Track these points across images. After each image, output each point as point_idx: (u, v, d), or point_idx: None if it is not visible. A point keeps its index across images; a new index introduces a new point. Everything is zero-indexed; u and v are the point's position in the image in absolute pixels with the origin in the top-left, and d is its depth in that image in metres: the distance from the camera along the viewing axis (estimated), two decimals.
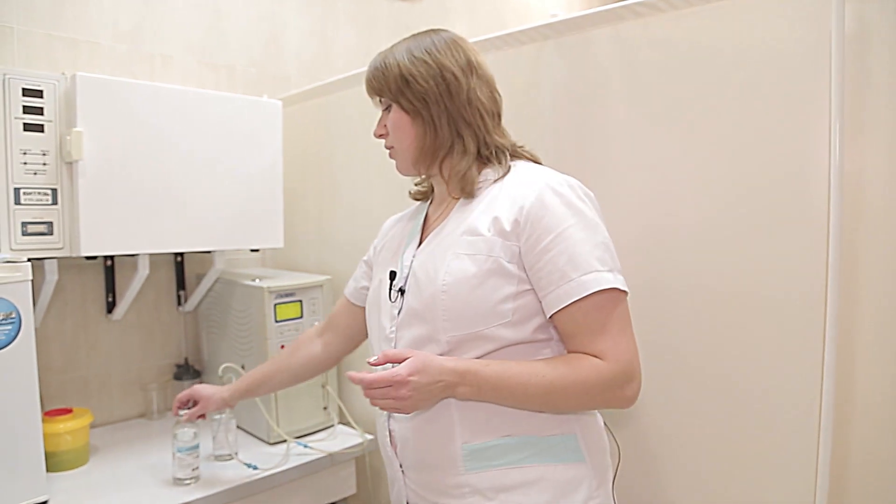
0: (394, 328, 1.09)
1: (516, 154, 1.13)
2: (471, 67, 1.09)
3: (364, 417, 1.81)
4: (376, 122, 1.16)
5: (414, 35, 1.13)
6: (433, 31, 1.13)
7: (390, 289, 1.12)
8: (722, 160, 1.13)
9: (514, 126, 1.44)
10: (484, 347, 1.00)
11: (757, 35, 1.08)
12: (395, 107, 1.10)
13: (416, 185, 1.27)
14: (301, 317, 1.74)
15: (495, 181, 1.07)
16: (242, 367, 1.69)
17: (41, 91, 1.43)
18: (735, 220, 1.12)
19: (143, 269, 1.68)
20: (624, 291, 0.97)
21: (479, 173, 1.09)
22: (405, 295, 1.08)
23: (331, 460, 1.65)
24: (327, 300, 1.81)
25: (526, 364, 0.98)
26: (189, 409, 1.43)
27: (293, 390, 1.70)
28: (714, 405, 1.17)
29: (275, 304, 1.68)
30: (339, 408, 1.82)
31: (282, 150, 1.82)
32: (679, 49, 1.17)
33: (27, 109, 1.42)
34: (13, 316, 1.26)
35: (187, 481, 1.44)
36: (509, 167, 1.08)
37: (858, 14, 0.98)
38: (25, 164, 1.42)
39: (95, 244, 1.48)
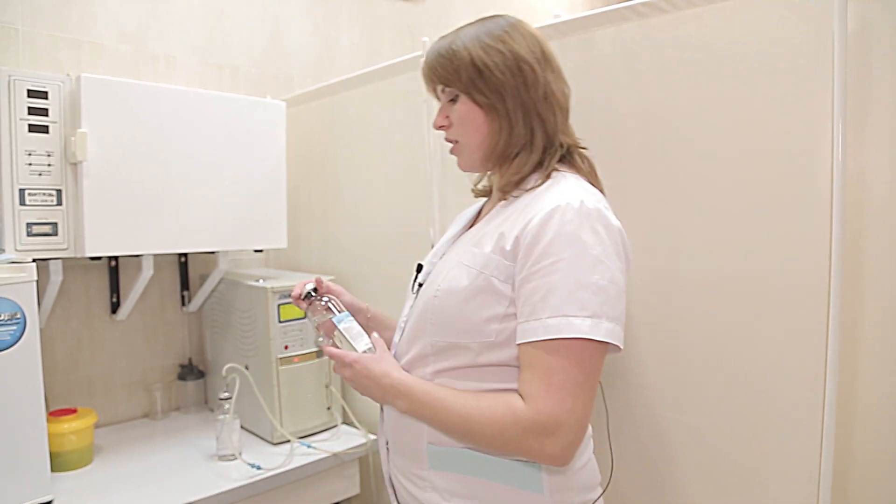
0: (405, 320, 1.10)
1: (571, 157, 1.04)
2: (546, 59, 1.02)
3: (368, 418, 1.81)
4: (436, 112, 1.08)
5: (480, 20, 1.05)
6: (500, 15, 1.05)
7: (414, 280, 1.13)
8: (725, 159, 1.13)
9: None
10: (463, 358, 0.98)
11: (759, 35, 1.08)
12: (463, 98, 1.02)
13: (475, 183, 1.21)
14: (304, 317, 1.74)
15: (531, 189, 1.00)
16: (246, 368, 1.69)
17: (46, 92, 1.44)
18: (738, 218, 1.12)
19: (148, 270, 1.69)
20: (601, 342, 0.87)
21: (529, 176, 1.02)
22: (421, 289, 1.08)
23: (334, 460, 1.65)
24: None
25: (456, 392, 0.96)
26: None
27: (297, 390, 1.71)
28: (715, 403, 1.17)
29: (278, 305, 1.69)
30: (343, 408, 1.82)
31: (285, 150, 1.82)
32: (682, 49, 1.17)
33: (32, 110, 1.42)
34: (18, 316, 1.27)
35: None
36: (548, 176, 1.00)
37: (860, 13, 0.98)
38: (30, 164, 1.42)
39: (100, 245, 1.49)
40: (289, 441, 1.66)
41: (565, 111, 1.04)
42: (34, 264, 1.30)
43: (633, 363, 1.27)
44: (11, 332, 1.25)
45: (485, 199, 1.19)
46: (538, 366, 0.89)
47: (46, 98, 1.44)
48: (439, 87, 1.06)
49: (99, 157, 1.46)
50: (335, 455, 1.65)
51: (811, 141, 1.03)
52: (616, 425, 1.22)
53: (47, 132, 1.45)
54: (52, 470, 1.35)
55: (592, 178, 1.04)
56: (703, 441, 1.19)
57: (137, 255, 1.66)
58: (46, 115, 1.44)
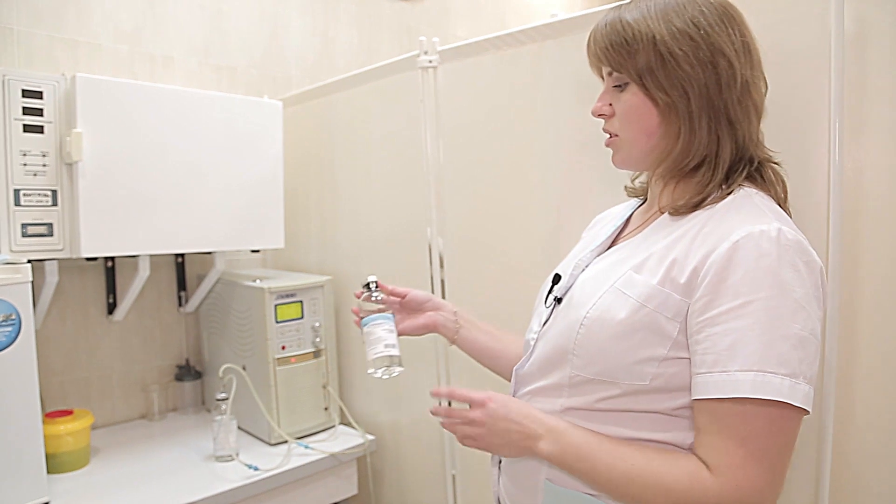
0: (535, 336, 0.96)
1: (761, 172, 0.87)
2: (746, 49, 0.83)
3: (365, 418, 1.81)
4: (600, 95, 0.91)
5: None
6: None
7: (549, 292, 0.98)
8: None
9: (514, 126, 1.45)
10: (603, 398, 0.84)
11: (756, 35, 1.07)
12: (635, 89, 0.85)
13: (633, 179, 1.04)
14: (302, 317, 1.74)
15: (706, 205, 0.83)
16: (243, 368, 1.69)
17: (41, 92, 1.43)
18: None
19: (144, 271, 1.68)
20: (800, 409, 0.73)
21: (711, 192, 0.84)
22: (559, 306, 0.94)
23: (332, 461, 1.65)
24: (328, 301, 1.81)
25: (619, 443, 0.82)
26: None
27: (294, 390, 1.70)
28: None
29: (275, 305, 1.68)
30: (340, 408, 1.81)
31: (283, 150, 1.82)
32: None
33: (27, 111, 1.42)
34: (13, 318, 1.26)
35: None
36: (729, 191, 0.83)
37: (858, 14, 0.98)
38: (25, 165, 1.42)
39: (96, 245, 1.48)
40: (286, 442, 1.66)
41: (760, 115, 0.87)
42: (29, 265, 1.30)
43: None
44: (7, 334, 1.25)
45: (636, 203, 1.03)
46: (730, 431, 0.74)
47: (41, 98, 1.44)
48: (603, 69, 0.89)
49: (94, 158, 1.46)
50: (333, 455, 1.64)
51: (808, 140, 1.02)
52: None
53: (42, 132, 1.44)
54: (49, 472, 1.35)
55: (782, 201, 0.86)
56: None
57: (134, 256, 1.66)
58: (41, 115, 1.44)
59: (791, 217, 0.84)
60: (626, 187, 1.05)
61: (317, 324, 1.76)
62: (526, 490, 0.92)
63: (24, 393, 1.28)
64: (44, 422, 1.39)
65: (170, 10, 1.97)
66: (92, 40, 1.81)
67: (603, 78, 0.91)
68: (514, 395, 0.98)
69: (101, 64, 1.83)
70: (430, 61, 1.57)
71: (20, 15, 1.68)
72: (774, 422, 0.73)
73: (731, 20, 0.83)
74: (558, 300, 0.94)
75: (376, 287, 1.15)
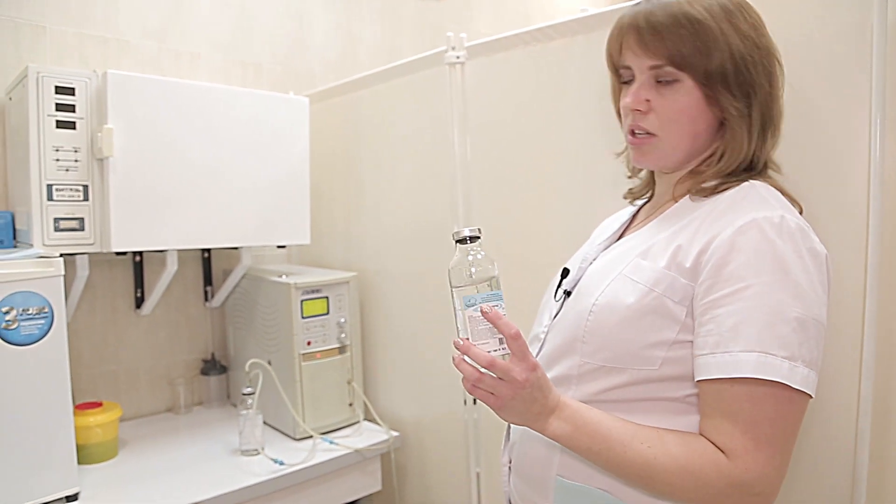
0: (545, 330, 0.96)
1: (763, 169, 0.88)
2: (778, 56, 0.82)
3: (389, 414, 1.81)
4: (636, 88, 0.86)
5: None
6: None
7: (558, 286, 0.98)
8: None
9: (542, 123, 1.44)
10: (614, 386, 0.83)
11: (795, 27, 1.05)
12: (689, 87, 0.82)
13: (632, 178, 1.05)
14: (327, 313, 1.75)
15: (714, 193, 0.84)
16: (269, 363, 1.70)
17: (73, 88, 1.45)
18: None
19: (172, 265, 1.70)
20: (803, 393, 0.74)
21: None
22: (569, 299, 0.94)
23: (357, 456, 1.65)
24: (353, 297, 1.81)
25: (632, 424, 0.81)
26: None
27: (319, 386, 1.71)
28: None
29: (301, 301, 1.69)
30: (365, 404, 1.82)
31: (308, 146, 1.83)
32: None
33: (60, 107, 1.43)
34: (46, 310, 1.28)
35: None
36: (738, 181, 0.84)
37: None
38: (58, 160, 1.44)
39: (125, 240, 1.50)
40: (311, 437, 1.66)
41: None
42: (62, 259, 1.31)
43: None
44: (39, 326, 1.27)
45: (635, 207, 1.04)
46: (736, 414, 0.74)
47: (73, 94, 1.45)
48: (650, 62, 0.83)
49: (125, 153, 1.47)
50: (357, 451, 1.65)
51: (848, 137, 1.00)
52: None
53: (74, 128, 1.46)
54: (79, 462, 1.36)
55: (783, 191, 0.86)
56: None
57: (162, 251, 1.67)
58: (73, 111, 1.45)
59: (801, 212, 0.84)
60: (629, 191, 1.05)
61: (342, 319, 1.77)
62: (537, 487, 0.91)
63: (56, 384, 1.30)
64: (74, 413, 1.40)
65: (195, 7, 1.99)
66: (120, 37, 1.83)
67: (625, 68, 0.87)
68: None
69: (130, 60, 1.85)
70: (458, 57, 1.56)
71: (52, 13, 1.70)
72: (779, 404, 0.73)
73: (762, 23, 0.83)
74: (568, 293, 0.94)
75: (478, 244, 0.82)
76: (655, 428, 0.81)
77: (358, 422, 1.81)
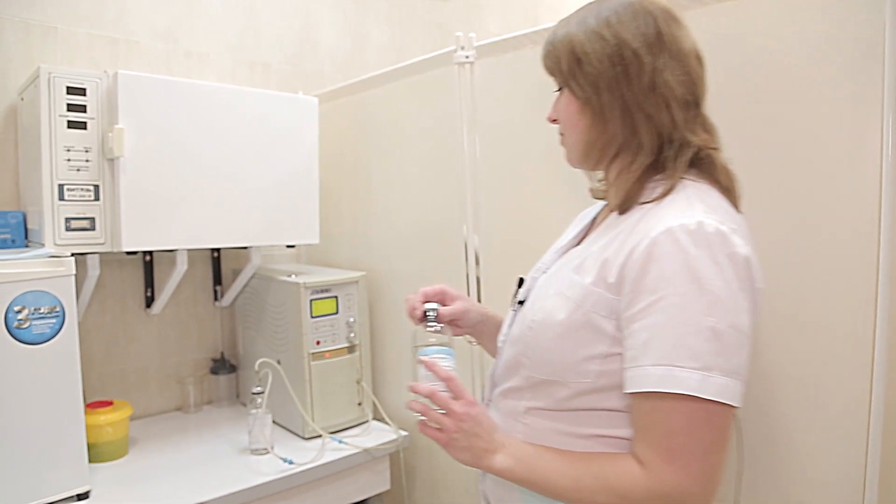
0: (504, 339, 1.00)
1: (707, 161, 0.87)
2: (660, 41, 0.85)
3: (398, 414, 1.81)
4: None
5: None
6: None
7: (514, 295, 1.02)
8: (767, 157, 1.10)
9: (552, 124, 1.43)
10: (558, 398, 0.88)
11: (808, 26, 1.05)
12: (565, 90, 0.92)
13: (598, 180, 1.05)
14: (337, 312, 1.75)
15: (651, 201, 0.85)
16: (278, 363, 1.70)
17: (84, 89, 1.45)
18: (780, 220, 1.09)
19: (182, 265, 1.70)
20: (721, 404, 0.74)
21: (646, 184, 0.87)
22: (521, 310, 0.97)
23: (365, 456, 1.66)
24: (362, 296, 1.81)
25: (564, 454, 0.86)
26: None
27: (328, 385, 1.71)
28: (757, 407, 1.14)
29: (311, 300, 1.69)
30: (374, 403, 1.82)
31: (317, 146, 1.83)
32: (724, 41, 1.14)
33: (71, 107, 1.44)
34: (57, 309, 1.28)
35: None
36: (672, 185, 0.84)
37: None
38: (69, 160, 1.44)
39: (136, 239, 1.50)
40: (320, 436, 1.67)
41: (687, 104, 0.86)
42: (73, 258, 1.32)
43: None
44: (51, 325, 1.27)
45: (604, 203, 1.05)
46: (653, 426, 0.77)
47: (85, 94, 1.46)
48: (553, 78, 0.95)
49: (135, 153, 1.48)
50: (366, 451, 1.65)
51: (860, 138, 0.99)
52: None
53: (85, 128, 1.46)
54: (89, 461, 1.37)
55: (728, 189, 0.87)
56: (746, 444, 1.17)
57: (172, 251, 1.68)
58: (85, 111, 1.46)
59: (738, 206, 0.87)
60: (590, 189, 1.07)
61: (351, 319, 1.77)
62: (507, 486, 0.95)
63: (67, 383, 1.31)
64: (85, 412, 1.41)
65: (204, 8, 2.00)
66: (130, 38, 1.84)
67: None
68: (488, 396, 1.04)
69: (139, 61, 1.86)
70: (467, 57, 1.56)
71: (62, 14, 1.71)
72: (692, 415, 0.74)
73: (646, 14, 0.86)
74: (521, 303, 0.98)
75: (435, 316, 1.07)
76: (590, 453, 0.86)
77: (367, 421, 1.81)
